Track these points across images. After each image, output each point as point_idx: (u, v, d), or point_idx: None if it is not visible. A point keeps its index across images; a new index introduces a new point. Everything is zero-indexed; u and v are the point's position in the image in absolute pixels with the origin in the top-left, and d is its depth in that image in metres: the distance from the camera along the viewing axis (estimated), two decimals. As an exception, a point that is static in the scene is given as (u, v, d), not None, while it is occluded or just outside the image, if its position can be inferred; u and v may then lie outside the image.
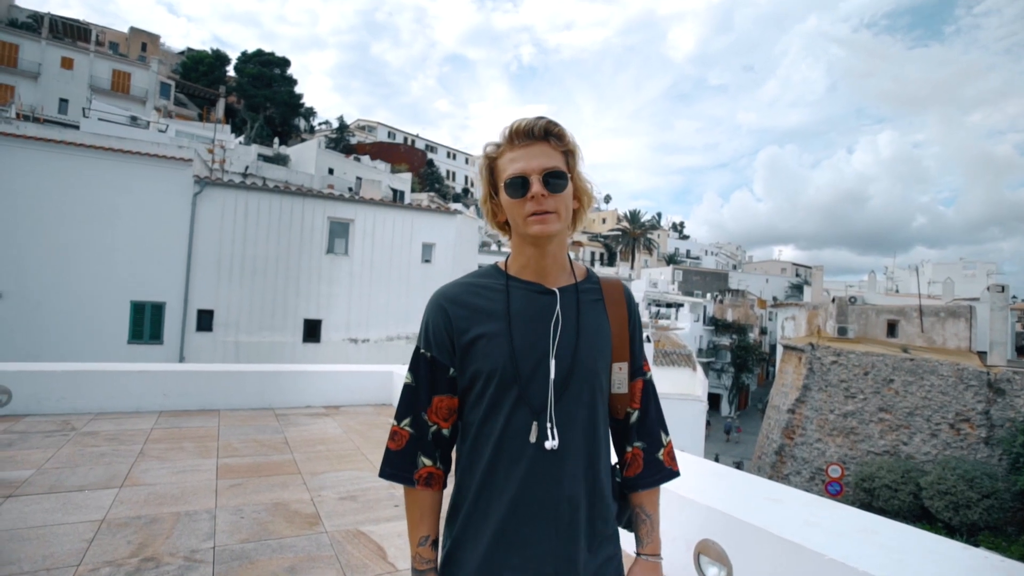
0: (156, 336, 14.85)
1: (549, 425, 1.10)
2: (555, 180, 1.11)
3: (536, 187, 1.10)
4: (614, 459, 1.31)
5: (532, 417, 1.10)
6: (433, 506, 1.20)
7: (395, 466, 1.19)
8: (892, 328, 25.91)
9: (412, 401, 1.19)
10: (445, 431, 1.19)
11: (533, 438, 1.10)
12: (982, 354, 22.98)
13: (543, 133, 1.13)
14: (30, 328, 13.39)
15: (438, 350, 1.17)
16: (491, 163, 1.18)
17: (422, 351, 1.20)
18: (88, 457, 4.14)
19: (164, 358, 14.56)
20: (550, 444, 1.09)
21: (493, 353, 1.12)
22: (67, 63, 39.36)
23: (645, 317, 36.94)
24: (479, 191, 1.23)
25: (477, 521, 1.13)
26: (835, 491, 21.40)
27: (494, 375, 1.11)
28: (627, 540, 1.28)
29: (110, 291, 14.32)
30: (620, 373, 1.21)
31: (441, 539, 1.21)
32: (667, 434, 1.29)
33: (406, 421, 1.19)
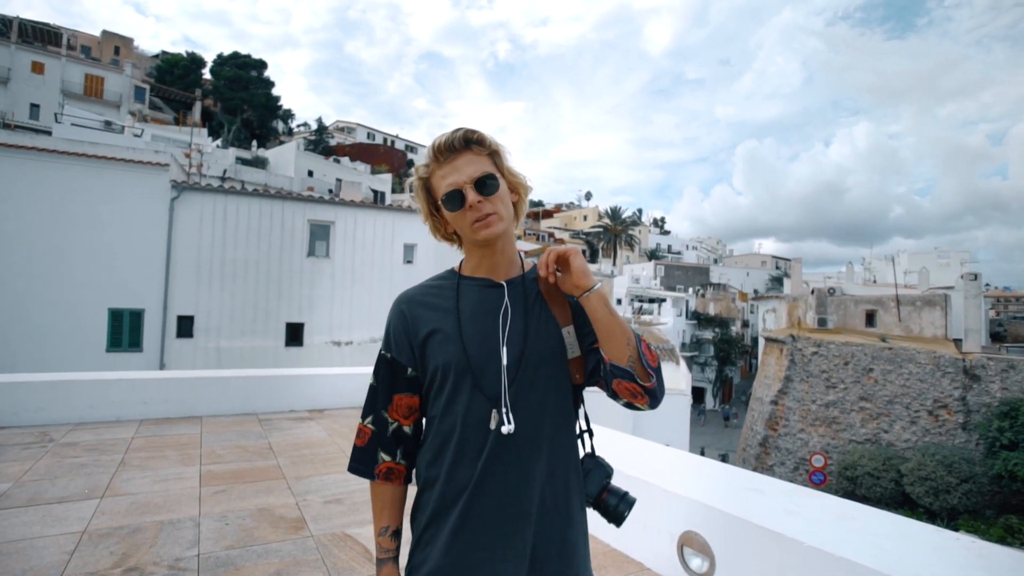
0: (135, 344, 14.62)
1: (505, 411, 1.14)
2: (486, 184, 1.17)
3: (471, 196, 1.16)
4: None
5: (489, 405, 1.15)
6: (393, 499, 1.27)
7: (358, 461, 1.27)
8: (870, 318, 26.34)
9: (374, 400, 1.27)
10: (406, 428, 1.25)
11: (492, 425, 1.14)
12: (958, 341, 23.45)
13: (463, 143, 1.18)
14: (5, 338, 13.09)
15: (397, 351, 1.25)
16: (425, 183, 1.24)
17: (383, 353, 1.27)
18: (68, 468, 4.08)
19: (144, 366, 14.34)
20: (506, 429, 1.13)
21: (446, 348, 1.18)
22: (38, 68, 38.46)
23: (628, 313, 37.16)
24: (420, 210, 1.28)
25: (444, 508, 1.17)
26: (819, 480, 21.72)
27: (449, 369, 1.17)
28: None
29: (87, 299, 14.05)
30: (569, 336, 1.23)
31: (412, 532, 1.25)
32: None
33: (369, 419, 1.27)
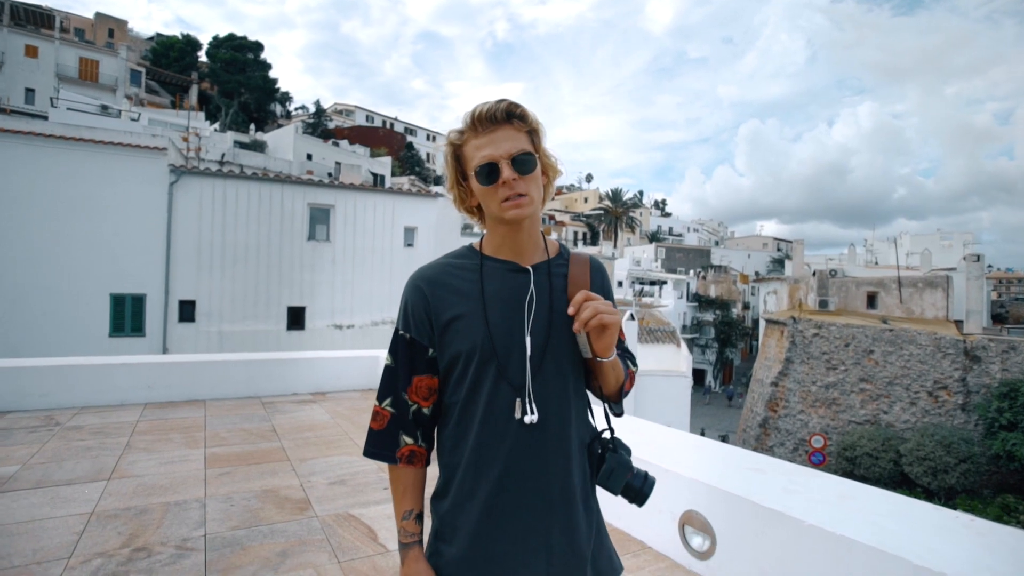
0: (138, 328, 14.67)
1: (528, 400, 1.13)
2: (524, 163, 1.12)
3: (507, 172, 1.11)
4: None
5: (512, 394, 1.13)
6: (416, 482, 1.23)
7: (377, 445, 1.22)
8: (872, 300, 26.36)
9: (392, 381, 1.22)
10: (426, 410, 1.22)
11: (517, 414, 1.12)
12: (959, 323, 23.48)
13: (505, 116, 1.13)
14: (9, 324, 13.14)
15: (417, 331, 1.20)
16: (456, 150, 1.19)
17: (401, 332, 1.22)
18: (74, 451, 4.12)
19: (147, 350, 14.40)
20: (529, 419, 1.12)
21: (470, 333, 1.14)
22: (31, 51, 38.12)
23: (628, 295, 37.18)
24: (447, 177, 1.23)
25: (465, 499, 1.15)
26: (818, 461, 21.90)
27: (473, 355, 1.13)
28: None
29: (89, 285, 14.07)
30: (582, 336, 1.19)
31: (429, 518, 1.24)
32: (634, 365, 1.33)
33: (387, 401, 1.22)
